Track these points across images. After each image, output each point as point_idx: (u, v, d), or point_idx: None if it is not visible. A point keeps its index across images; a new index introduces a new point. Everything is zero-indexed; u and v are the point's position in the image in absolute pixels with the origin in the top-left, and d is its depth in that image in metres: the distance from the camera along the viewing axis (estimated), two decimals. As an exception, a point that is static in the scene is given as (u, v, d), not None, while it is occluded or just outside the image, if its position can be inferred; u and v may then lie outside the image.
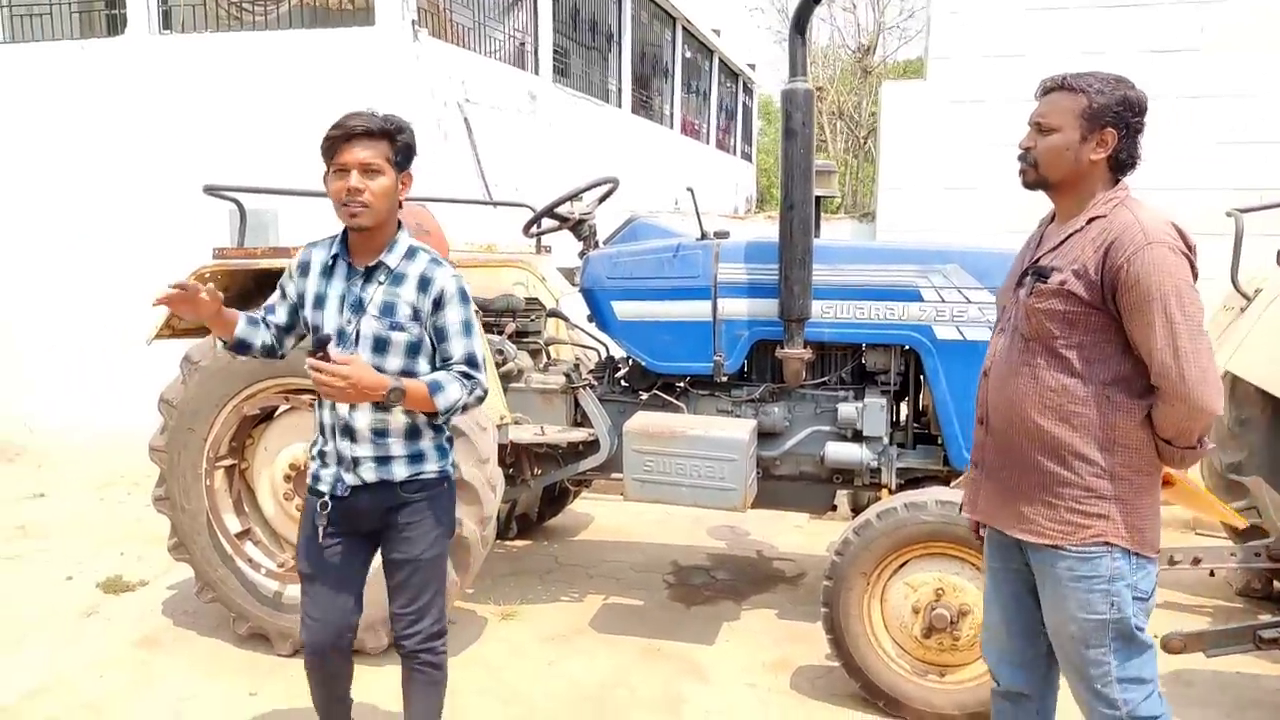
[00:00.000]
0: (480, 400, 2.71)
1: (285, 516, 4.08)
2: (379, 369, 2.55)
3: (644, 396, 4.32)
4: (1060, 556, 2.29)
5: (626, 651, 4.17)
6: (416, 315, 2.63)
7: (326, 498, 2.69)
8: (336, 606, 2.78)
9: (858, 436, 4.05)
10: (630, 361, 4.46)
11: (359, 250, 2.65)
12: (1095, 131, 2.23)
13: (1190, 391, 2.13)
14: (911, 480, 4.08)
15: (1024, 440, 2.33)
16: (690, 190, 4.10)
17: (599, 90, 11.71)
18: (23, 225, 7.36)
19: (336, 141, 2.58)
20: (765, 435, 4.12)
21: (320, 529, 2.70)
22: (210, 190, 3.96)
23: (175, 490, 4.08)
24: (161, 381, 4.14)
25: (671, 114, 15.38)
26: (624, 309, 4.18)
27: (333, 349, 2.53)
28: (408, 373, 2.62)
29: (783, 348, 3.95)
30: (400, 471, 2.69)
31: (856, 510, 4.74)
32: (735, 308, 4.03)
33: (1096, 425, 2.25)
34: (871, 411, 4.00)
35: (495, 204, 6.29)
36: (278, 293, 2.79)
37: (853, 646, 3.56)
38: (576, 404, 4.41)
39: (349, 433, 2.66)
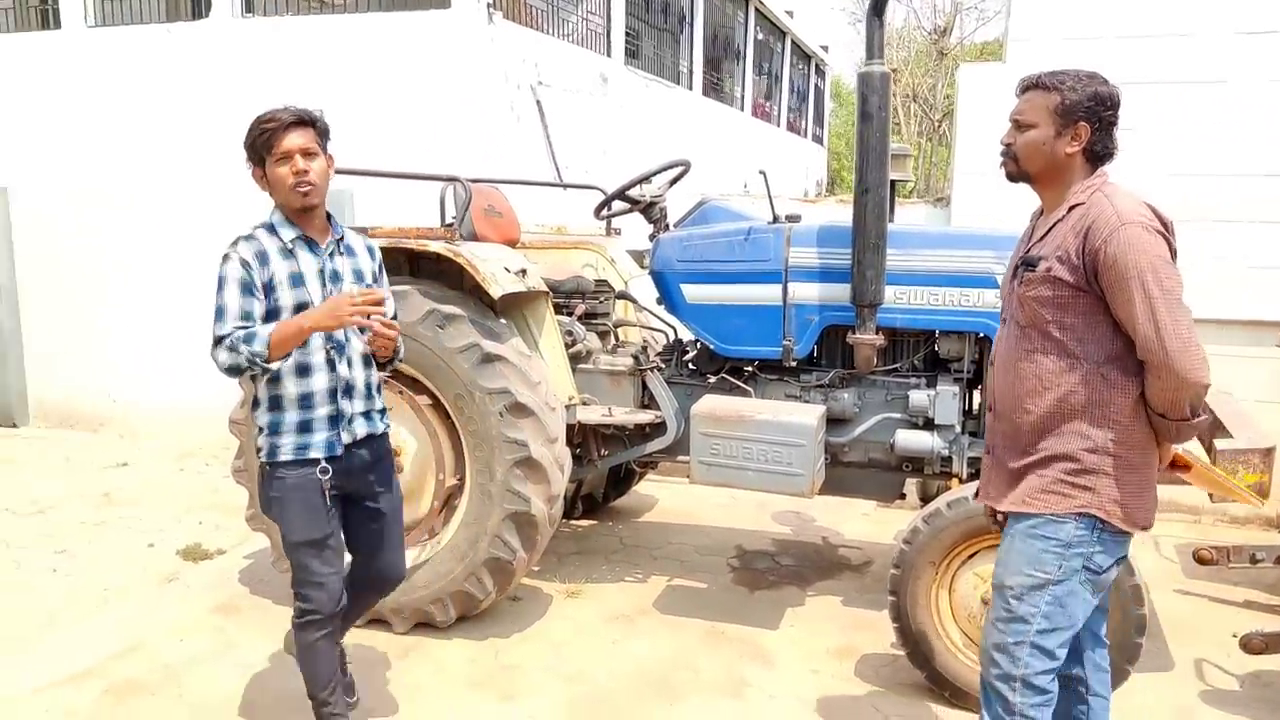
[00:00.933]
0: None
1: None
2: (362, 326, 2.77)
3: (712, 380, 4.31)
4: (1028, 515, 2.42)
5: (690, 633, 4.18)
6: (374, 277, 3.04)
7: (324, 462, 2.86)
8: (340, 563, 3.01)
9: (929, 424, 4.00)
10: (698, 344, 4.46)
11: (311, 229, 2.90)
12: (1069, 126, 2.35)
13: (1174, 362, 2.21)
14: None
15: (1025, 423, 2.43)
16: (763, 173, 4.08)
17: (670, 72, 11.66)
18: (109, 206, 7.59)
19: (274, 132, 2.78)
20: (834, 421, 4.09)
21: (326, 491, 2.88)
22: (291, 170, 4.03)
23: (252, 462, 4.20)
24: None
25: (742, 96, 15.25)
26: (693, 292, 4.18)
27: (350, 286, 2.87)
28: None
29: (854, 333, 3.91)
30: (379, 424, 3.04)
31: (925, 499, 4.69)
32: (806, 292, 4.00)
33: (1093, 403, 2.35)
34: (944, 399, 3.94)
35: (565, 186, 6.32)
36: (241, 294, 2.75)
37: (919, 636, 3.53)
38: (644, 386, 4.42)
39: (349, 391, 2.91)
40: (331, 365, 2.87)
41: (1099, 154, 2.39)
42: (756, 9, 15.72)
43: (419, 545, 4.07)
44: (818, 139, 23.40)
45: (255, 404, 2.94)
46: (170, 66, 7.54)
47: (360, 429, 2.93)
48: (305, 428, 2.86)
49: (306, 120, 2.82)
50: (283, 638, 3.70)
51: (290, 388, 2.85)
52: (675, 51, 12.06)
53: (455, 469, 4.01)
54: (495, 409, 3.81)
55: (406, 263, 4.14)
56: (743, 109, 15.11)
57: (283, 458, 2.86)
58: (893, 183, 4.13)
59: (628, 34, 9.97)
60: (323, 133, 2.87)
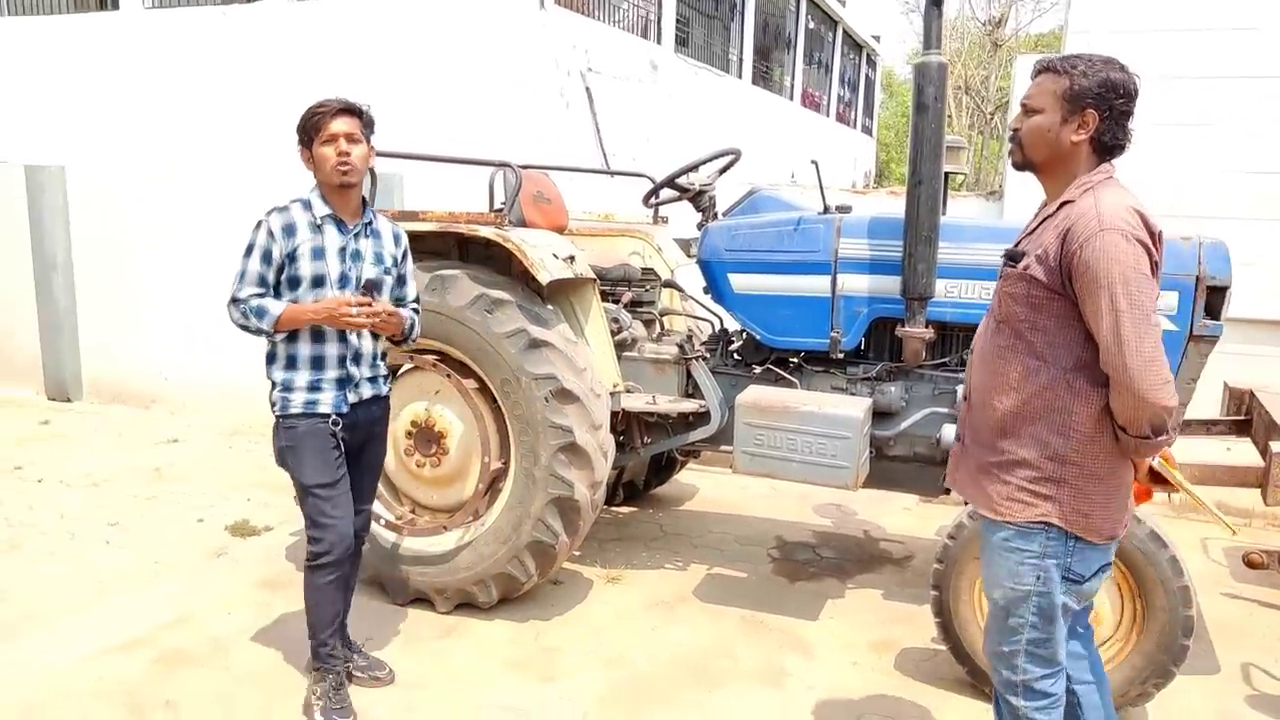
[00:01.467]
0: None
1: (405, 471, 4.22)
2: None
3: (757, 370, 4.30)
4: (1000, 527, 2.39)
5: (729, 622, 4.19)
6: (395, 262, 3.33)
7: (334, 416, 3.19)
8: (350, 508, 3.29)
9: (977, 420, 3.94)
10: (744, 334, 4.44)
11: (343, 210, 3.19)
12: (1076, 113, 2.25)
13: (1134, 380, 2.14)
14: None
15: (990, 419, 2.41)
16: (814, 163, 4.04)
17: (720, 60, 11.60)
18: (163, 185, 7.72)
19: (324, 116, 3.09)
20: (880, 414, 4.05)
21: (338, 441, 3.21)
22: (343, 153, 4.07)
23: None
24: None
25: (792, 85, 15.14)
26: (741, 281, 4.16)
27: (347, 292, 3.14)
28: (393, 303, 3.30)
29: (903, 326, 3.88)
30: (384, 387, 3.39)
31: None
32: (856, 284, 3.97)
33: (1054, 409, 2.30)
34: (997, 395, 3.88)
35: (613, 173, 6.31)
36: (260, 261, 3.09)
37: (961, 632, 3.50)
38: (688, 375, 4.42)
39: (357, 358, 3.24)
40: (343, 334, 3.18)
41: (1108, 145, 2.28)
42: (808, -3, 15.59)
43: (463, 527, 4.11)
44: (867, 130, 23.19)
45: (270, 359, 3.21)
46: (225, 47, 7.64)
47: (366, 391, 3.29)
48: (315, 387, 3.19)
49: (354, 110, 3.14)
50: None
51: (305, 350, 3.17)
52: (725, 40, 12.00)
53: (500, 452, 4.04)
54: (541, 394, 3.83)
55: (456, 247, 4.16)
56: (792, 98, 15.00)
57: (294, 410, 3.18)
58: (946, 175, 4.08)
59: (678, 21, 9.94)
60: (368, 124, 3.18)
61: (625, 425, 4.45)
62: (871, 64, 23.30)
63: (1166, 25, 6.63)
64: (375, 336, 3.28)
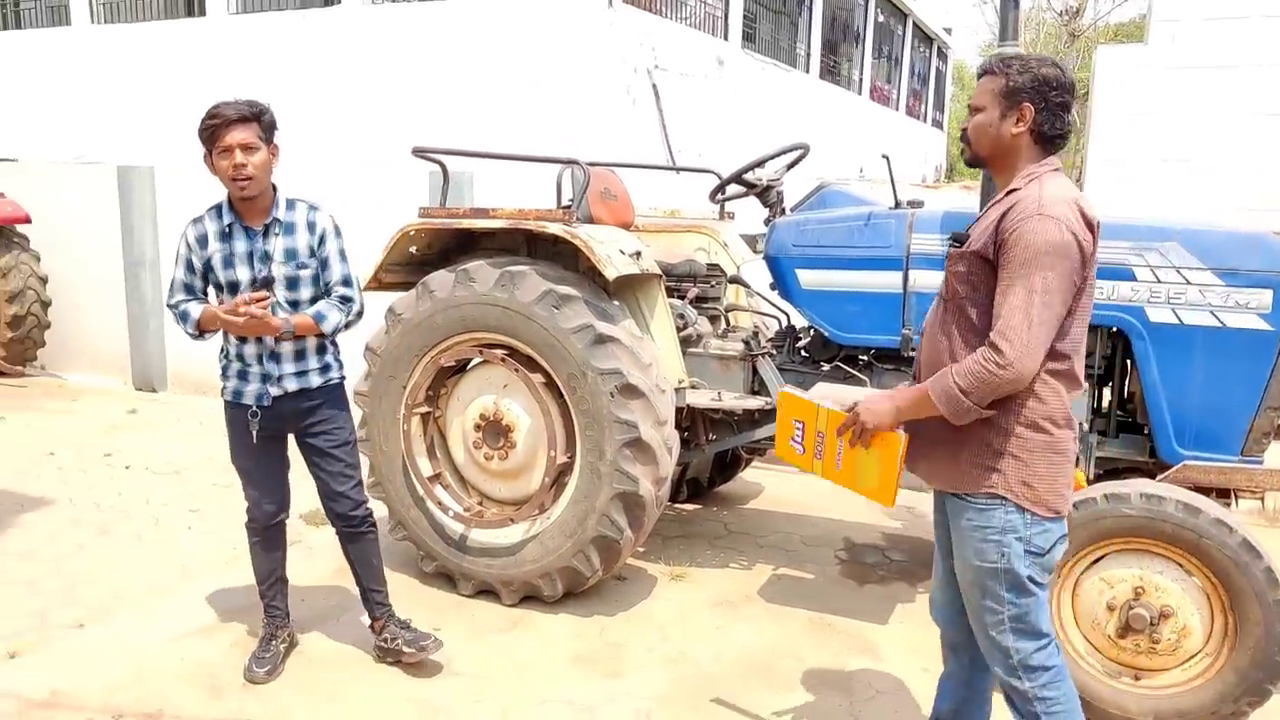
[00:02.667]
0: (359, 316, 3.43)
1: (473, 464, 4.28)
2: (295, 301, 3.32)
3: (825, 368, 4.26)
4: (964, 507, 2.47)
5: (795, 623, 4.16)
6: (312, 253, 3.33)
7: (254, 407, 3.37)
8: (275, 489, 3.59)
9: (1052, 420, 3.86)
10: (812, 331, 4.41)
11: (249, 213, 3.28)
12: (1014, 108, 2.39)
13: (1017, 357, 2.25)
14: (1112, 471, 3.85)
15: None
16: (885, 158, 3.99)
17: (787, 55, 11.51)
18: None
19: (217, 129, 3.11)
20: (951, 414, 3.98)
21: (254, 433, 3.40)
22: (418, 152, 4.15)
23: (375, 432, 4.35)
24: (367, 331, 4.40)
25: (860, 80, 14.96)
26: (809, 277, 4.13)
27: (252, 293, 3.21)
28: (316, 298, 3.35)
29: (975, 324, 3.80)
30: (315, 380, 3.43)
31: (1045, 498, 4.53)
32: (928, 280, 3.90)
33: None
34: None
35: (678, 169, 6.31)
36: (185, 270, 3.34)
37: (1036, 638, 3.42)
38: (754, 372, 4.40)
39: (275, 357, 3.35)
40: (260, 336, 3.30)
41: (1049, 135, 2.40)
42: (879, -10, 15.37)
43: (529, 520, 4.15)
44: (938, 124, 22.78)
45: (220, 349, 3.47)
46: (305, 49, 7.83)
47: (291, 385, 3.39)
48: (242, 377, 3.40)
49: (250, 116, 3.14)
50: (395, 603, 3.85)
51: (230, 346, 3.41)
52: (793, 34, 11.90)
53: (566, 447, 4.07)
54: (607, 389, 3.85)
55: (524, 244, 4.21)
56: (860, 93, 14.82)
57: (225, 397, 3.46)
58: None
59: (745, 17, 9.88)
60: (267, 127, 3.20)
61: (690, 422, 4.45)
62: (943, 56, 22.88)
63: (1266, 11, 6.39)
64: (298, 338, 3.37)
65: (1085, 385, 2.50)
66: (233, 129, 3.11)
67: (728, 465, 5.66)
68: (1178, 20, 6.45)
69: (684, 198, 5.86)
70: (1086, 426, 3.83)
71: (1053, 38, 24.35)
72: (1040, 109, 2.37)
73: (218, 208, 3.31)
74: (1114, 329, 3.75)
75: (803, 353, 4.46)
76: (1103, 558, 3.32)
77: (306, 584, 4.40)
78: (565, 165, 4.32)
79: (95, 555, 4.73)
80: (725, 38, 9.36)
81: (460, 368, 4.32)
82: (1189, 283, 3.52)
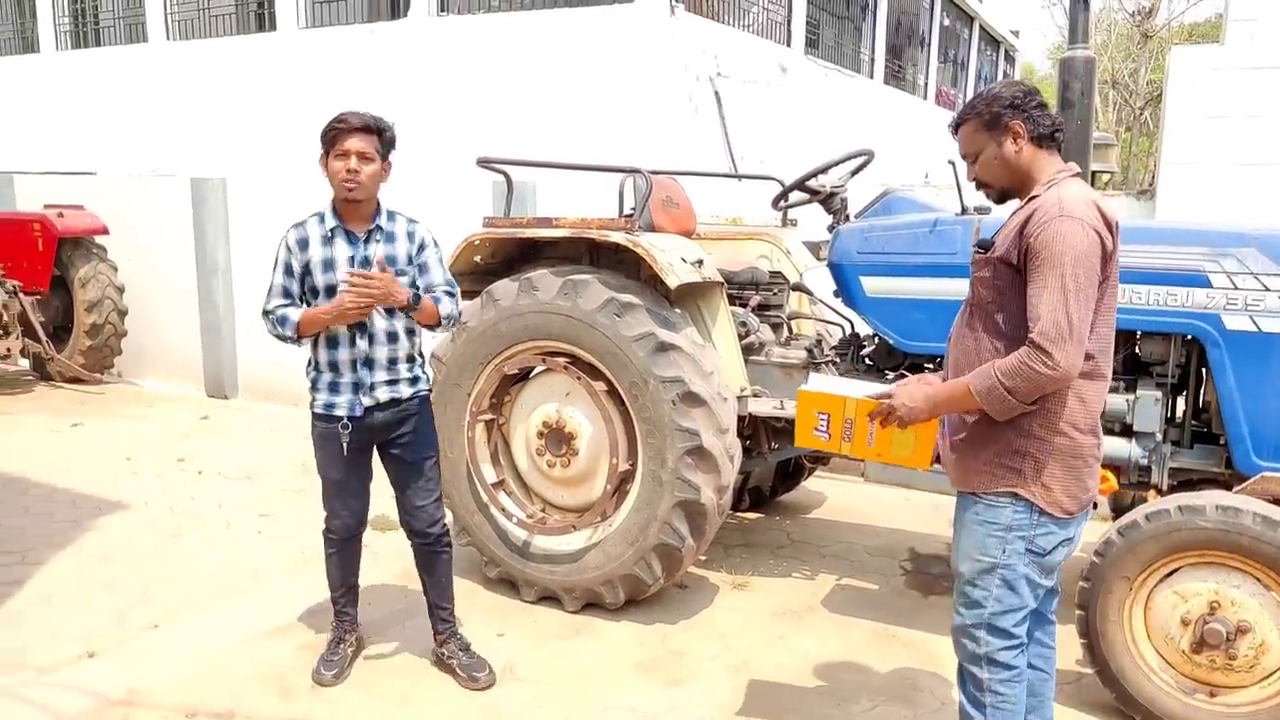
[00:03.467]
0: (459, 317, 3.53)
1: (536, 471, 4.31)
2: (391, 308, 3.29)
3: (890, 376, 4.20)
4: (972, 500, 2.56)
5: (859, 634, 4.11)
6: (410, 260, 3.39)
7: (346, 419, 3.36)
8: (359, 502, 3.59)
9: (1127, 431, 3.76)
10: (876, 339, 4.36)
11: (352, 218, 3.33)
12: (1004, 131, 2.49)
13: (1062, 357, 2.28)
14: (1185, 482, 3.74)
15: None
16: (951, 163, 3.93)
17: (850, 61, 11.43)
18: (311, 195, 8.10)
19: (340, 133, 3.21)
20: (1019, 423, 3.90)
21: (345, 444, 3.39)
22: (483, 163, 4.19)
23: (441, 439, 4.39)
24: (433, 339, 4.46)
25: (925, 84, 14.78)
26: (874, 285, 4.08)
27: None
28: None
29: (1044, 331, 3.72)
30: (406, 390, 3.45)
31: (1118, 511, 4.42)
32: (994, 287, 3.83)
33: None
34: (1144, 405, 3.70)
35: (741, 177, 6.29)
36: (284, 274, 3.34)
37: (1109, 654, 3.33)
38: (818, 380, 4.35)
39: (369, 364, 3.36)
40: (354, 340, 3.33)
41: (1046, 134, 2.50)
42: (944, -6, 15.18)
43: (591, 527, 4.17)
44: (1005, 129, 22.34)
45: (306, 363, 3.47)
46: (373, 62, 7.98)
47: (383, 395, 3.40)
48: (334, 389, 3.39)
49: (373, 128, 3.25)
50: (459, 608, 3.89)
51: (322, 355, 3.39)
52: (856, 40, 11.81)
53: (628, 454, 4.08)
54: (668, 397, 3.85)
55: (587, 252, 4.23)
56: (925, 97, 14.64)
57: (315, 410, 3.44)
58: (1093, 173, 3.91)
59: (808, 23, 9.83)
60: (386, 142, 3.29)
61: (752, 430, 4.42)
62: (1010, 60, 22.50)
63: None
64: (392, 340, 3.38)
65: (1110, 380, 2.54)
66: (354, 136, 3.21)
67: (790, 474, 5.61)
68: (1255, 19, 6.25)
69: (746, 205, 5.84)
70: (1160, 437, 3.72)
71: (1124, 39, 23.80)
72: (1025, 118, 2.48)
73: (320, 214, 3.37)
74: (1189, 336, 3.64)
75: (867, 360, 4.41)
76: (1176, 571, 3.24)
77: (373, 588, 4.46)
78: (627, 174, 4.33)
79: (169, 558, 4.86)
80: (788, 44, 9.32)
81: (524, 375, 4.35)
82: (1267, 289, 3.41)
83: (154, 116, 9.81)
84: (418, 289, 3.39)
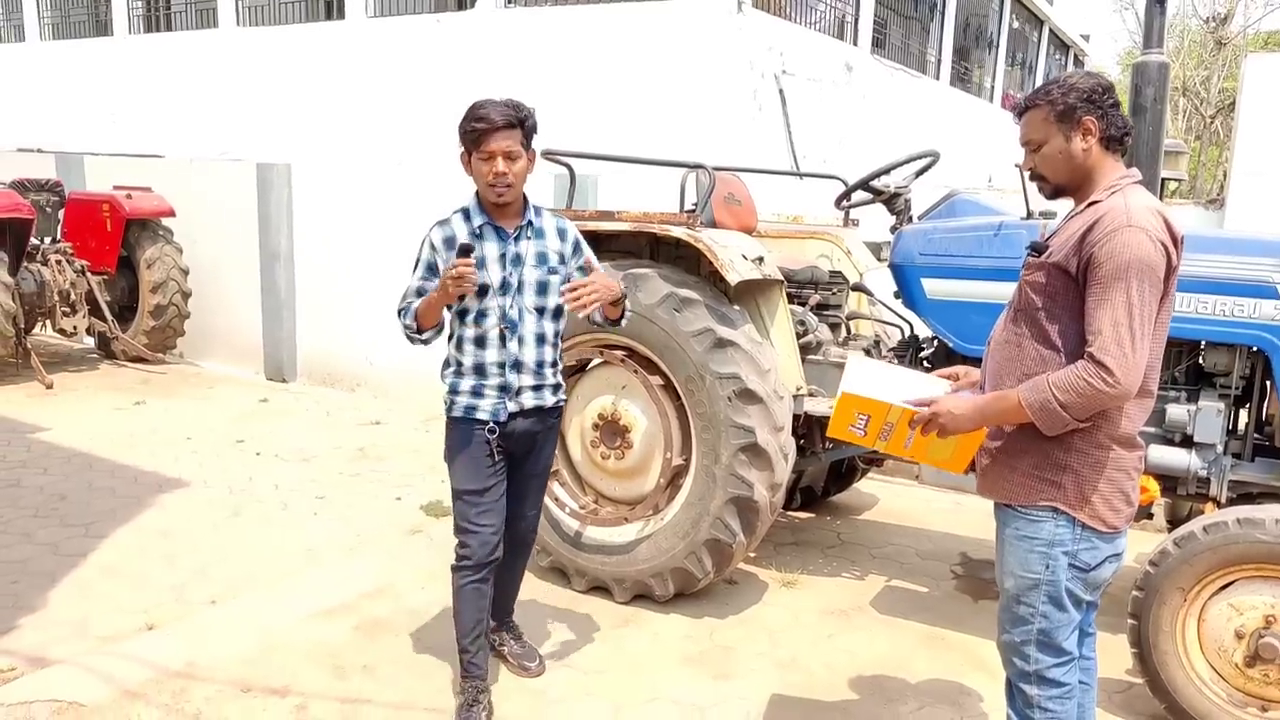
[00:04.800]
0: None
1: (590, 463, 4.35)
2: (543, 308, 3.18)
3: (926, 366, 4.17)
4: (1011, 516, 2.49)
5: (908, 636, 4.09)
6: (563, 259, 3.23)
7: (491, 424, 3.16)
8: (498, 518, 3.28)
9: (1187, 442, 3.70)
10: (936, 342, 4.33)
11: (502, 216, 3.14)
12: (1075, 126, 2.39)
13: (1122, 374, 2.21)
14: (1244, 495, 3.68)
15: None
16: (1018, 166, 3.89)
17: (917, 61, 11.32)
18: (378, 182, 8.23)
19: (484, 134, 2.99)
20: (1080, 431, 3.85)
21: (494, 449, 3.18)
22: (547, 155, 4.23)
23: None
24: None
25: (992, 87, 14.58)
26: (935, 287, 4.05)
27: (508, 300, 3.12)
28: (560, 308, 3.20)
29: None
30: (549, 398, 3.28)
31: (1174, 521, 4.37)
32: (1059, 293, 3.79)
33: None
34: (1206, 415, 3.63)
35: (803, 175, 6.27)
36: (425, 274, 3.14)
37: (1160, 664, 3.29)
38: (875, 381, 4.33)
39: (518, 366, 3.17)
40: (503, 341, 3.14)
41: (1115, 137, 2.41)
42: (1013, -4, 14.96)
43: (643, 519, 4.20)
44: (1070, 133, 21.95)
45: (444, 364, 3.27)
46: (439, 52, 8.07)
47: (529, 401, 3.21)
48: (477, 393, 3.18)
49: (516, 122, 3.02)
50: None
51: (468, 358, 3.17)
52: (924, 40, 11.69)
53: (682, 449, 4.10)
54: (724, 393, 3.86)
55: (648, 247, 4.26)
56: (991, 100, 14.45)
57: (455, 414, 3.21)
58: (1161, 181, 3.85)
59: (875, 22, 9.76)
60: (529, 133, 3.07)
61: (807, 429, 4.42)
62: (1079, 64, 22.07)
63: None
64: (539, 343, 3.20)
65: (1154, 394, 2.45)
66: (498, 135, 2.99)
67: (843, 475, 5.59)
68: (1338, 26, 6.09)
69: (808, 204, 5.83)
70: (1221, 448, 3.66)
71: (1197, 45, 23.22)
72: (1099, 116, 2.38)
73: (465, 210, 3.17)
74: (1254, 348, 3.57)
75: (925, 363, 4.38)
76: (1233, 583, 3.19)
77: (426, 572, 4.53)
78: (690, 169, 4.35)
79: (227, 535, 4.98)
80: (855, 43, 9.26)
81: (581, 367, 4.39)
82: (1337, 303, 3.33)
83: (222, 101, 10.02)
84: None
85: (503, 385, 3.17)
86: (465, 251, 2.97)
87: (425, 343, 3.18)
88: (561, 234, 3.25)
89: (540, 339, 3.20)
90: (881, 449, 2.67)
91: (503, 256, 3.13)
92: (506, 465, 3.28)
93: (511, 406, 3.18)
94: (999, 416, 2.44)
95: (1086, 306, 2.29)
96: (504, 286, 3.12)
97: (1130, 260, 2.22)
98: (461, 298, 3.06)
